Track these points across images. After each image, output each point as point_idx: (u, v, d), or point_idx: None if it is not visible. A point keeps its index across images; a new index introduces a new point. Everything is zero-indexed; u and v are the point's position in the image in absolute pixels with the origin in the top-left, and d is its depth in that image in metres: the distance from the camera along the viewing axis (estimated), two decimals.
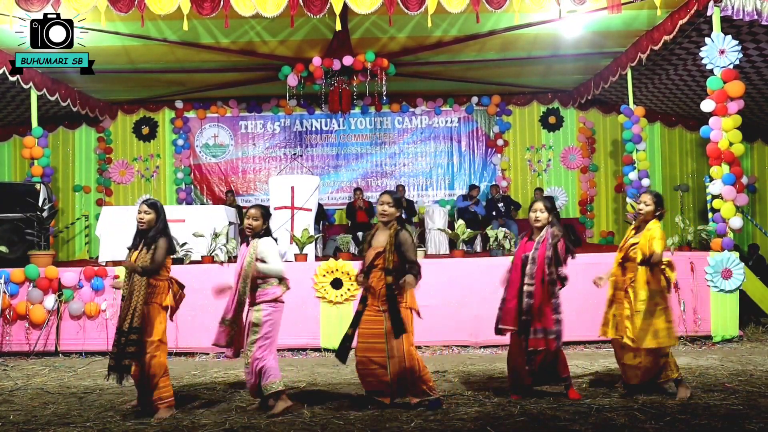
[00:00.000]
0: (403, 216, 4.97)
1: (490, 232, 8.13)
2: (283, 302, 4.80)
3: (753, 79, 8.94)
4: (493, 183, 12.01)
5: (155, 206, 4.80)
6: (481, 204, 11.45)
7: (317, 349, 7.29)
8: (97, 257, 8.74)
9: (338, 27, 7.42)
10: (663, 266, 4.87)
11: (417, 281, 4.58)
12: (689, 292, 7.33)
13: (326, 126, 12.44)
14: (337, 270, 7.39)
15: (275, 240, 4.89)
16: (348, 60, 9.26)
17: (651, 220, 4.91)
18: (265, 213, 4.87)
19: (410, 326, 4.66)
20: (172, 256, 4.88)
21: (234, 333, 4.72)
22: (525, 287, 4.77)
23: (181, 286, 4.93)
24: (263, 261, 4.70)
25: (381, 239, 4.72)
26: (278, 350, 5.14)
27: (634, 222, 5.22)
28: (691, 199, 11.66)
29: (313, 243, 8.14)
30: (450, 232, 8.53)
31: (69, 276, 7.42)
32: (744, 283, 7.35)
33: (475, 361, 6.59)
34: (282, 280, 4.79)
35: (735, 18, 7.07)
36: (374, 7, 7.11)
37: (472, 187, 11.57)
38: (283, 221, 7.94)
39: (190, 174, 12.28)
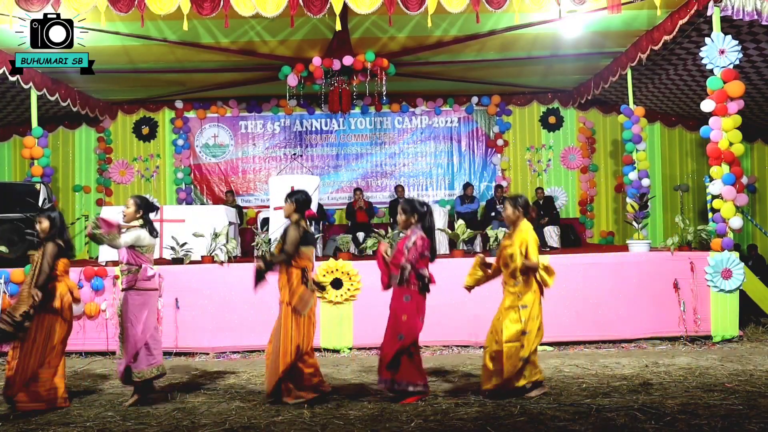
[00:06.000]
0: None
1: (490, 232, 8.13)
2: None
3: (753, 79, 8.94)
4: (498, 184, 11.97)
5: (49, 216, 5.03)
6: (477, 201, 11.50)
7: (317, 349, 7.26)
8: (97, 257, 8.73)
9: (338, 27, 7.43)
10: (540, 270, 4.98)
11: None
12: (689, 292, 7.34)
13: (326, 126, 12.43)
14: (337, 270, 7.39)
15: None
16: (348, 60, 9.25)
17: (518, 222, 5.05)
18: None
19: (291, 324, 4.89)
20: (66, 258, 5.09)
21: None
22: None
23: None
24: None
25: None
26: None
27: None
28: (691, 199, 11.66)
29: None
30: (450, 232, 8.52)
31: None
32: (744, 283, 7.35)
33: (475, 361, 6.58)
34: None
35: (735, 18, 7.08)
36: (374, 7, 7.12)
37: (466, 185, 11.57)
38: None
39: (190, 174, 12.27)
